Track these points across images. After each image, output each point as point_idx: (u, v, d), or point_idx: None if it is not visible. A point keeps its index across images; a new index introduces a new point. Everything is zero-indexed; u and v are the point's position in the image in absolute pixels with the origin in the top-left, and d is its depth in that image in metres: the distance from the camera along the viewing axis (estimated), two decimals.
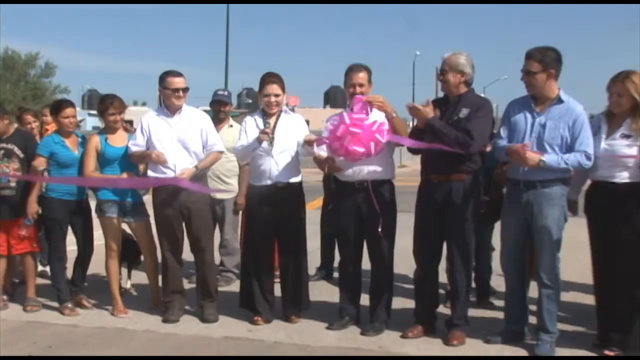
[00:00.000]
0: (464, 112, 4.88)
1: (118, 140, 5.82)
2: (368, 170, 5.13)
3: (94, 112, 5.91)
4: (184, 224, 5.65)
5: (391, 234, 5.28)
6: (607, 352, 4.67)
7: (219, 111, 6.77)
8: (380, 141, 4.87)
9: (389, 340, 5.08)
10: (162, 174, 5.53)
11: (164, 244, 5.66)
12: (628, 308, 4.65)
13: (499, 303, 5.83)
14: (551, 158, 4.62)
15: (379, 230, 5.15)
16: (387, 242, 5.26)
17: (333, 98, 55.98)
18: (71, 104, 6.08)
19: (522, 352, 4.81)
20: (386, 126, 4.93)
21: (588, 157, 4.62)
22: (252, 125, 5.52)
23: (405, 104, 5.11)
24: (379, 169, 5.18)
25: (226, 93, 6.98)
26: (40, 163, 5.78)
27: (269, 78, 5.48)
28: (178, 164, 5.51)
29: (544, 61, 4.76)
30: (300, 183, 5.54)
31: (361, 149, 4.80)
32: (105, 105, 5.81)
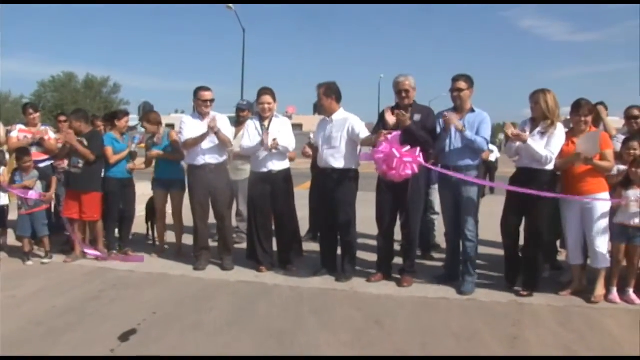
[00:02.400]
0: (416, 117, 4.79)
1: None
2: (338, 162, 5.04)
3: None
4: (210, 199, 5.48)
5: (352, 208, 5.11)
6: (519, 290, 4.59)
7: (239, 116, 6.63)
8: (421, 162, 4.56)
9: (358, 284, 4.96)
10: (197, 162, 5.38)
11: (196, 213, 5.48)
12: (532, 255, 4.58)
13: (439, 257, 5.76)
14: (468, 133, 4.64)
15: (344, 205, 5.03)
16: (350, 214, 5.10)
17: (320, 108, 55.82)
18: (127, 114, 6.19)
19: (452, 291, 4.72)
20: (418, 151, 4.55)
21: (486, 141, 4.69)
22: (252, 127, 5.36)
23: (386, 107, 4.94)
24: (345, 160, 5.04)
25: (245, 102, 6.79)
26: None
27: (263, 90, 5.32)
28: (207, 153, 5.36)
29: (469, 82, 4.77)
30: (288, 169, 5.39)
31: (410, 172, 4.47)
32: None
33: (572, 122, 4.64)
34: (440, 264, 5.53)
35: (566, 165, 4.51)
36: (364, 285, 4.92)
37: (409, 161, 4.47)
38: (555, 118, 4.49)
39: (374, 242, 5.52)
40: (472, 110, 4.76)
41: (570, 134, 4.57)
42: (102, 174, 5.81)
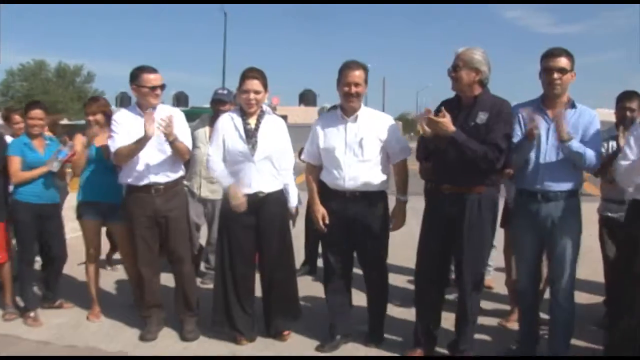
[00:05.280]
0: (481, 117, 2.99)
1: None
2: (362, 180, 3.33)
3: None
4: (158, 234, 3.66)
5: (386, 243, 3.47)
6: None
7: (218, 110, 4.75)
8: None
9: None
10: (139, 181, 3.55)
11: (138, 256, 3.66)
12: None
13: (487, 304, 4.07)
14: (576, 143, 2.92)
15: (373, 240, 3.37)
16: (383, 252, 3.47)
17: (306, 98, 53.87)
18: (40, 106, 4.01)
19: None
20: None
21: (597, 154, 2.97)
22: (230, 127, 3.51)
23: (417, 115, 3.27)
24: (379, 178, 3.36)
25: (225, 92, 4.83)
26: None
27: (250, 73, 3.45)
28: (153, 168, 3.54)
29: (572, 60, 3.01)
30: (282, 190, 3.59)
31: None
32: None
33: None
34: (496, 320, 3.85)
35: None
36: None
37: None
38: None
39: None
40: (573, 106, 3.04)
41: None
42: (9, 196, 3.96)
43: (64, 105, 38.91)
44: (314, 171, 3.55)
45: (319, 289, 4.72)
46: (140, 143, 3.41)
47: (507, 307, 4.01)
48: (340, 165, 3.34)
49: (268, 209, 3.46)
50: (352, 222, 3.35)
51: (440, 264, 3.22)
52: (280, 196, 3.55)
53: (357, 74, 3.28)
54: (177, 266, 3.70)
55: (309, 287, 4.74)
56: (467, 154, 2.91)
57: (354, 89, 3.29)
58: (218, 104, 4.72)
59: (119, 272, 4.17)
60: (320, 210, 3.44)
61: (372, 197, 3.35)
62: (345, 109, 3.39)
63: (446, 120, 2.92)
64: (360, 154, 3.32)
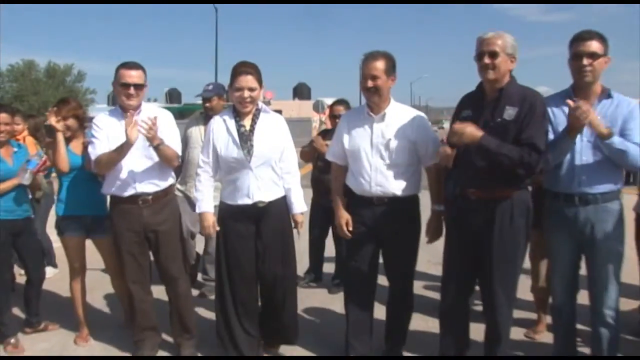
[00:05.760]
0: (509, 112, 2.60)
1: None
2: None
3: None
4: (149, 250, 3.30)
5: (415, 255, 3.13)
6: None
7: (205, 108, 4.40)
8: None
9: None
10: (123, 191, 3.17)
11: (126, 273, 3.28)
12: None
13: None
14: (617, 139, 2.59)
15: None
16: (411, 264, 3.13)
17: (300, 92, 53.30)
18: (5, 109, 3.53)
19: None
20: None
21: None
22: (221, 128, 3.11)
23: (442, 132, 2.94)
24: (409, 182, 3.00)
25: (210, 87, 4.39)
26: None
27: (242, 68, 3.03)
28: (139, 177, 3.16)
29: (605, 44, 2.65)
30: (284, 197, 3.18)
31: None
32: None
33: None
34: (521, 330, 3.52)
35: None
36: None
37: None
38: None
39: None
40: (609, 96, 2.69)
41: None
42: None
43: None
44: (339, 172, 3.18)
45: (325, 297, 4.38)
46: (122, 150, 3.03)
47: (533, 316, 3.68)
48: (366, 169, 2.98)
49: (269, 221, 3.08)
50: (380, 231, 3.00)
51: (469, 279, 2.87)
52: (282, 205, 3.16)
53: (375, 66, 2.90)
54: (170, 286, 3.33)
55: (314, 296, 4.42)
56: (500, 162, 2.54)
57: (370, 83, 2.91)
58: (204, 102, 4.38)
59: (109, 284, 3.78)
60: (344, 216, 3.09)
61: (401, 204, 2.98)
62: (371, 105, 3.02)
63: (472, 129, 2.56)
64: (387, 157, 2.96)
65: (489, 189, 2.64)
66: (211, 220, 3.09)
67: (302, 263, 5.16)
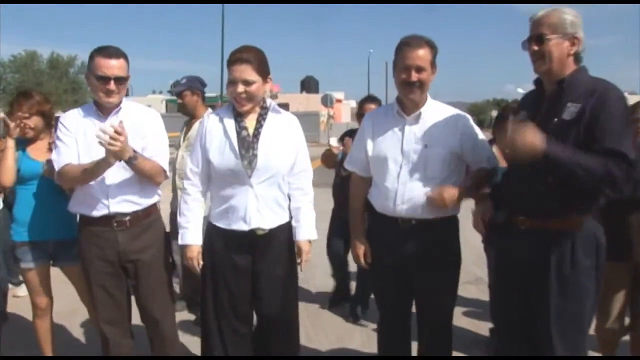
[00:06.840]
0: (570, 110, 1.93)
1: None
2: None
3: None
4: (124, 281, 2.61)
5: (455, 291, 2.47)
6: None
7: (178, 106, 3.79)
8: None
9: None
10: (93, 210, 2.49)
11: (97, 311, 2.61)
12: None
13: None
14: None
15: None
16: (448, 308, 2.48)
17: (308, 85, 52.64)
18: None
19: None
20: None
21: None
22: (215, 130, 2.41)
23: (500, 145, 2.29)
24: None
25: (184, 81, 3.72)
26: None
27: (238, 54, 2.30)
28: (113, 192, 2.48)
29: None
30: (289, 223, 2.48)
31: None
32: None
33: None
34: None
35: None
36: None
37: None
38: None
39: None
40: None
41: None
42: None
43: (58, 97, 38.04)
44: (360, 184, 2.54)
45: (343, 328, 3.77)
46: (98, 169, 2.36)
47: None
48: (392, 181, 2.34)
49: (268, 252, 2.41)
50: (408, 262, 2.35)
51: (524, 320, 2.16)
52: (287, 233, 2.46)
53: (421, 54, 2.25)
54: (151, 329, 2.65)
55: (330, 328, 3.77)
56: (577, 176, 1.86)
57: (415, 76, 2.26)
58: (177, 98, 3.75)
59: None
60: (361, 246, 2.46)
61: (436, 228, 2.33)
62: (404, 103, 2.37)
63: (532, 136, 1.85)
64: (421, 167, 2.31)
65: (544, 217, 1.98)
66: (196, 252, 2.42)
67: (315, 279, 4.57)
